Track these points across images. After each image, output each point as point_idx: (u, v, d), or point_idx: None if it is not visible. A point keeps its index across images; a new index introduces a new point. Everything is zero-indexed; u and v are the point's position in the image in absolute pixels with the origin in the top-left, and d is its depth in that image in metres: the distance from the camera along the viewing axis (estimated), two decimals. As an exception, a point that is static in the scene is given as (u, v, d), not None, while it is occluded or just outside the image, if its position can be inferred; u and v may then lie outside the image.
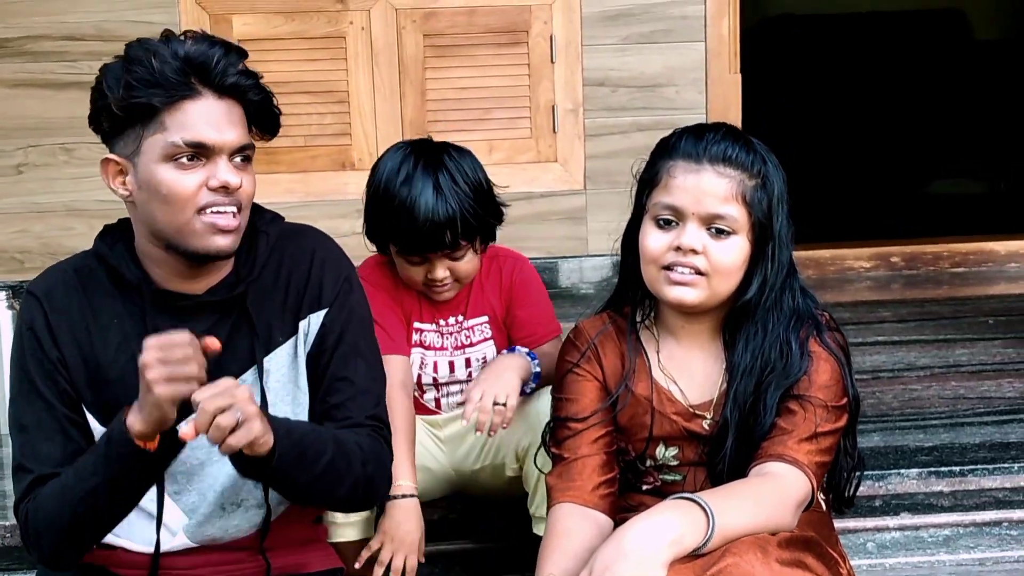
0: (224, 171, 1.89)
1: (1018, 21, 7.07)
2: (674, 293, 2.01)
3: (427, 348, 2.51)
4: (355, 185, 4.43)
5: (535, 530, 2.40)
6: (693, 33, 4.53)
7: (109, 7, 4.35)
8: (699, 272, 2.00)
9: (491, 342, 2.52)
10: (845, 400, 2.05)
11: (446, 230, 2.37)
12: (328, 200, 4.37)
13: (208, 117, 1.88)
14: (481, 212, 2.42)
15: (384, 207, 2.41)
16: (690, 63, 4.54)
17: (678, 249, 1.99)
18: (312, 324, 2.03)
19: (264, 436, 1.78)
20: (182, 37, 1.91)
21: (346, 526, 2.36)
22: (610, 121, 4.57)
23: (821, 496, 2.10)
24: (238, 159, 1.92)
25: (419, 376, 2.52)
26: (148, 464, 1.83)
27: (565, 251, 4.60)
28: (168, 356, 1.74)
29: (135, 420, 1.79)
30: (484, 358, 2.52)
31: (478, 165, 2.46)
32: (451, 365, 2.52)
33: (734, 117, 4.40)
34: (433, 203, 2.36)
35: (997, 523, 2.72)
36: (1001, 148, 6.64)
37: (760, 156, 2.04)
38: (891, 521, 2.70)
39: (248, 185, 1.93)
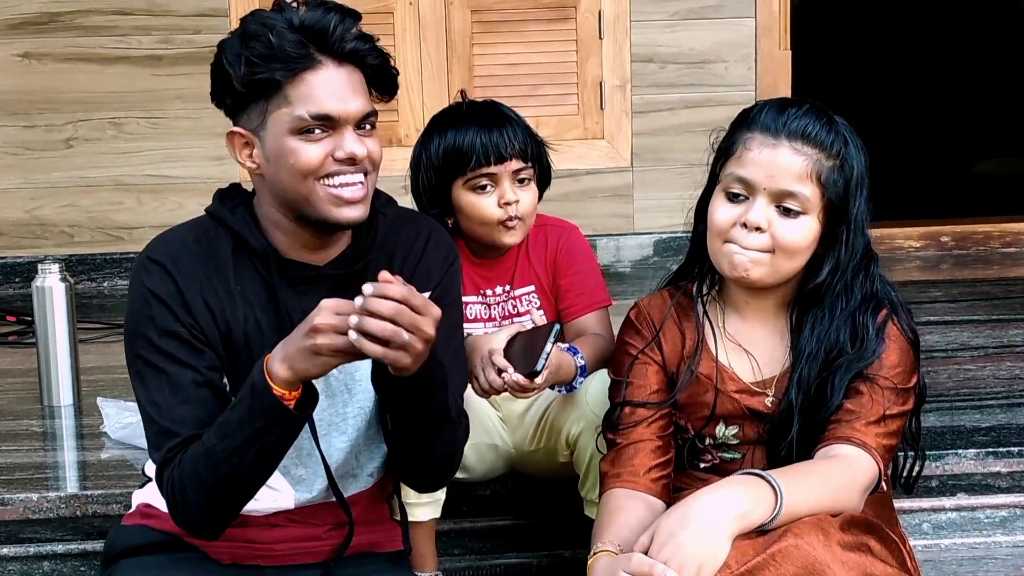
0: (350, 142, 1.88)
1: (1069, 0, 6.99)
2: (735, 269, 1.99)
3: (473, 321, 2.49)
4: (402, 161, 4.36)
5: (586, 512, 2.39)
6: (743, 9, 4.50)
7: (159, -19, 4.37)
8: (763, 250, 1.98)
9: (541, 312, 2.51)
10: (914, 381, 2.03)
11: (504, 126, 2.41)
12: (375, 176, 4.37)
13: (331, 88, 1.87)
14: (537, 142, 2.47)
15: (445, 140, 2.42)
16: (740, 39, 4.51)
17: (744, 226, 1.97)
18: None
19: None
20: (295, 4, 1.90)
21: (418, 506, 2.35)
22: (658, 98, 4.55)
23: (884, 477, 2.08)
24: (362, 126, 1.91)
25: None
26: (291, 416, 1.82)
27: (610, 229, 4.58)
28: (340, 324, 1.73)
29: (282, 369, 1.78)
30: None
31: None
32: None
33: (783, 94, 4.36)
34: (495, 112, 2.45)
35: (1055, 505, 2.69)
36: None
37: (842, 136, 2.00)
38: (947, 502, 2.67)
39: (375, 151, 1.93)
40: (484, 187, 2.42)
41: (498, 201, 2.42)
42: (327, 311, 1.74)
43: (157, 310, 1.93)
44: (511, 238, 2.45)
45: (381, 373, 1.87)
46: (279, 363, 1.79)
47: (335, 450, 2.03)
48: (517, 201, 2.42)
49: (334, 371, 1.95)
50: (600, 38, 4.49)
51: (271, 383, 1.79)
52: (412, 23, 4.44)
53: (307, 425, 1.94)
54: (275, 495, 2.02)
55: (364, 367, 2.00)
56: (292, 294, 1.95)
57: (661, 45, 4.52)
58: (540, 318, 2.50)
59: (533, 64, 4.47)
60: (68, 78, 4.40)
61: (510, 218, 2.42)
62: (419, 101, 4.47)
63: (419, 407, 1.90)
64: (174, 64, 4.41)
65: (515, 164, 2.42)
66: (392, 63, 1.97)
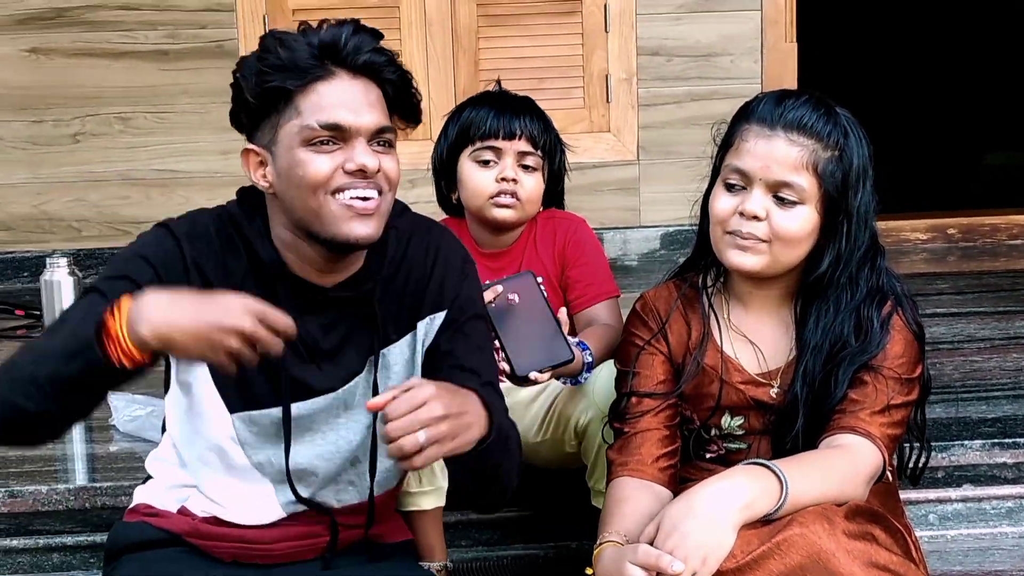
0: (361, 154, 1.82)
1: (1077, -9, 6.96)
2: (735, 258, 2.01)
3: None
4: (407, 156, 4.39)
5: (594, 502, 2.39)
6: (749, 1, 4.50)
7: (165, -23, 4.38)
8: (762, 239, 1.99)
9: None
10: (918, 372, 2.04)
11: (523, 112, 2.47)
12: (381, 170, 4.38)
13: (343, 98, 1.82)
14: (555, 138, 2.52)
15: (460, 114, 2.51)
16: (746, 32, 4.51)
17: (742, 215, 1.98)
18: (433, 323, 1.99)
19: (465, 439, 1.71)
20: (317, 26, 1.86)
21: (420, 495, 2.36)
22: (664, 91, 4.55)
23: (889, 468, 2.09)
24: (377, 142, 1.85)
25: None
26: (116, 374, 1.71)
27: (617, 222, 4.59)
28: (256, 333, 1.67)
29: (150, 335, 1.66)
30: None
31: None
32: None
33: (789, 87, 4.35)
34: (520, 100, 2.52)
35: (1061, 496, 2.69)
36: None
37: (842, 127, 1.99)
38: (953, 493, 2.68)
39: (391, 169, 1.86)
40: (487, 161, 2.46)
41: (496, 176, 2.44)
42: (249, 314, 1.66)
43: (137, 267, 1.87)
44: (501, 215, 2.47)
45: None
46: (147, 329, 1.67)
47: (315, 456, 1.98)
48: (515, 180, 2.44)
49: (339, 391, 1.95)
50: (606, 31, 4.49)
51: (123, 338, 1.68)
52: (418, 17, 4.44)
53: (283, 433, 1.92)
54: (255, 507, 1.99)
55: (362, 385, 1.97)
56: (295, 314, 1.84)
57: (667, 38, 4.52)
58: None
59: (539, 58, 4.47)
60: (75, 73, 4.41)
61: (502, 193, 2.45)
62: (425, 95, 4.42)
63: (487, 460, 1.83)
64: (181, 59, 4.42)
65: (522, 145, 2.45)
66: (414, 84, 1.91)
